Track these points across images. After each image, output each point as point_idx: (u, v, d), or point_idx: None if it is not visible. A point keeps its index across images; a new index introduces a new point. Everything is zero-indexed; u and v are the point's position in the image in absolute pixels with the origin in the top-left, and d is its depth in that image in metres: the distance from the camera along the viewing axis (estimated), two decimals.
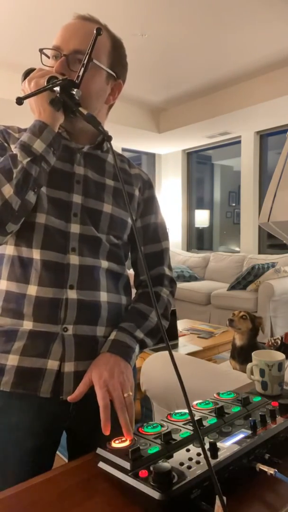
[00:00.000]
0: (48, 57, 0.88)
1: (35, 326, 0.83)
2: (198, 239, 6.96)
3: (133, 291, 1.04)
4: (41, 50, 0.85)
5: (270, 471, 0.63)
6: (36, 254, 0.84)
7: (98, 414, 0.74)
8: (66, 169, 0.90)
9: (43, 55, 0.86)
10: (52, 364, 0.82)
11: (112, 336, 0.88)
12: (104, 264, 0.91)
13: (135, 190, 1.00)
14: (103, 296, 0.90)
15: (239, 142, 5.63)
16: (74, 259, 0.86)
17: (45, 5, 3.07)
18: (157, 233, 1.04)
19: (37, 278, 0.84)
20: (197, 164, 7.17)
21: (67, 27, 0.87)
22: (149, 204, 1.04)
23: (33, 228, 0.84)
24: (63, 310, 0.84)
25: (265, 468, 0.64)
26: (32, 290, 0.83)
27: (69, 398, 0.78)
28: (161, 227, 1.06)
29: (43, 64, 0.85)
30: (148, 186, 1.04)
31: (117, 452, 0.66)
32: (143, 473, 0.60)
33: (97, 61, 0.86)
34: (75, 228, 0.87)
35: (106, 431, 0.72)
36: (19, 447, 0.83)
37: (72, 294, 0.85)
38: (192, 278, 5.38)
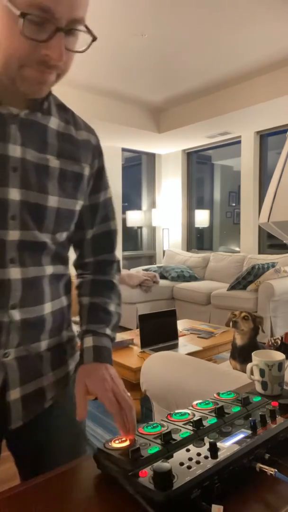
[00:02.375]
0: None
1: None
2: (198, 239, 6.96)
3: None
4: (24, 15, 0.59)
5: (270, 471, 0.63)
6: None
7: (45, 437, 0.72)
8: None
9: (25, 20, 0.60)
10: None
11: (90, 343, 0.82)
12: (49, 270, 0.79)
13: (85, 167, 0.82)
14: (48, 308, 0.79)
15: (239, 142, 5.63)
16: (15, 273, 0.71)
17: None
18: (108, 213, 0.91)
19: None
20: (197, 164, 7.16)
21: None
22: (99, 178, 0.87)
23: None
24: (5, 334, 0.72)
25: (265, 468, 0.64)
26: None
27: (78, 418, 0.72)
28: (111, 205, 0.92)
29: (25, 35, 0.61)
30: (97, 154, 0.86)
31: (117, 452, 0.66)
32: (143, 473, 0.60)
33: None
34: (13, 235, 0.70)
35: (127, 434, 0.69)
36: None
37: (15, 315, 0.72)
38: (192, 278, 5.38)
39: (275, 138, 5.53)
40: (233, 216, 8.72)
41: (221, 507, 0.55)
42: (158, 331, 2.88)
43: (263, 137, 5.48)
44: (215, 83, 4.61)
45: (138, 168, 7.20)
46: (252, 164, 5.45)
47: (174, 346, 2.84)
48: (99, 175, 0.87)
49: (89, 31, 0.65)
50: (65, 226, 0.79)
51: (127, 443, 0.68)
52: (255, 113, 4.69)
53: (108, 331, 0.85)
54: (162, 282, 5.24)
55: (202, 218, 6.54)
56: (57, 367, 0.84)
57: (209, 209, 6.79)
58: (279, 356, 0.96)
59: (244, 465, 0.65)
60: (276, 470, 0.63)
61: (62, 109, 0.81)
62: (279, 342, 1.73)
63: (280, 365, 0.93)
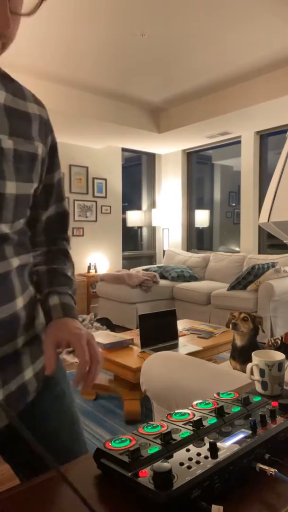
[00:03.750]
0: None
1: None
2: (198, 239, 6.96)
3: None
4: None
5: (270, 471, 0.63)
6: None
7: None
8: None
9: None
10: None
11: (56, 301, 0.81)
12: (15, 262, 0.72)
13: (38, 146, 0.74)
14: (20, 303, 0.73)
15: (239, 142, 5.63)
16: None
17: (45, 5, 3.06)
18: (60, 193, 0.87)
19: None
20: (197, 164, 7.17)
21: None
22: (52, 157, 0.81)
23: None
24: None
25: (265, 468, 0.64)
26: None
27: (48, 372, 0.71)
28: (62, 185, 0.88)
29: None
30: (49, 130, 0.79)
31: (117, 452, 0.66)
32: (143, 473, 0.60)
33: None
34: None
35: (78, 384, 0.70)
36: None
37: None
38: (192, 278, 5.38)
39: (275, 138, 5.54)
40: (233, 216, 8.72)
41: (221, 507, 0.55)
42: (158, 331, 2.88)
43: (263, 137, 5.49)
44: (215, 83, 4.61)
45: (138, 168, 7.20)
46: (252, 164, 5.46)
47: (174, 346, 2.85)
48: (52, 153, 0.81)
49: None
50: (23, 212, 0.74)
51: (127, 443, 0.68)
52: (255, 113, 4.69)
53: (71, 292, 0.85)
54: (162, 282, 5.24)
55: (202, 218, 6.55)
56: (36, 359, 0.80)
57: (209, 209, 6.79)
58: (279, 356, 0.96)
59: (244, 465, 0.65)
60: (276, 470, 0.63)
61: (8, 80, 0.72)
62: (279, 342, 1.73)
63: (280, 365, 0.93)
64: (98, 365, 0.73)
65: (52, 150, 0.81)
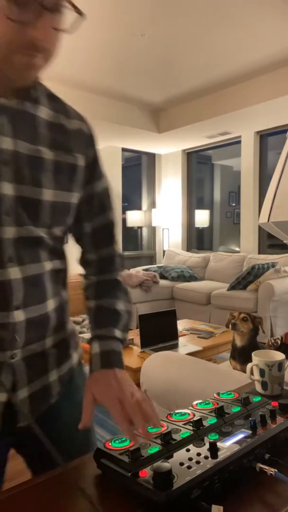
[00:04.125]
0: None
1: None
2: (198, 239, 6.96)
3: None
4: None
5: (270, 471, 0.63)
6: None
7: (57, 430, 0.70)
8: None
9: (9, 2, 0.58)
10: (0, 397, 0.72)
11: (96, 349, 0.80)
12: (48, 265, 0.77)
13: (78, 158, 0.79)
14: (50, 305, 0.77)
15: (239, 142, 5.63)
16: (14, 273, 0.69)
17: None
18: (104, 203, 0.87)
19: None
20: (197, 164, 7.17)
21: None
22: (93, 168, 0.84)
23: None
24: (11, 336, 0.70)
25: (265, 468, 0.64)
26: None
27: (81, 426, 0.71)
28: (107, 195, 0.88)
29: (10, 18, 0.58)
30: (91, 143, 0.83)
31: (117, 452, 0.66)
32: (143, 473, 0.60)
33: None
34: (9, 232, 0.68)
35: (132, 439, 0.67)
36: None
37: (19, 316, 0.71)
38: (192, 278, 5.38)
39: (275, 138, 5.53)
40: (233, 216, 8.72)
41: (221, 507, 0.55)
42: (158, 331, 2.88)
43: (263, 137, 5.48)
44: (215, 83, 4.61)
45: (138, 168, 7.20)
46: (252, 164, 5.45)
47: (174, 346, 2.85)
48: (94, 164, 0.84)
49: (74, 7, 0.62)
50: (61, 220, 0.77)
51: (127, 443, 0.68)
52: (255, 113, 4.69)
53: (116, 332, 0.83)
54: (162, 282, 5.24)
55: (202, 218, 6.55)
56: (61, 363, 0.83)
57: (209, 209, 6.79)
58: (279, 356, 0.96)
59: (244, 465, 0.65)
60: (276, 470, 0.63)
61: (52, 98, 0.78)
62: (279, 342, 1.73)
63: (280, 365, 0.93)
64: (136, 416, 0.68)
65: (94, 161, 0.84)
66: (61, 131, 0.76)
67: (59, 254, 0.81)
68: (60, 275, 0.82)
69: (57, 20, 0.63)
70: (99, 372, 0.77)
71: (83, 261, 0.91)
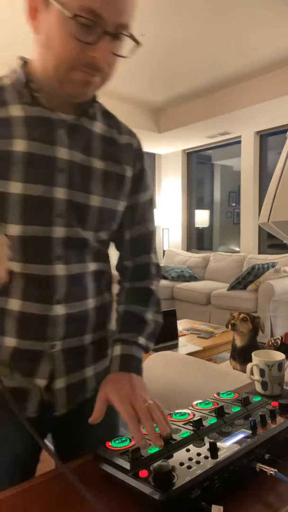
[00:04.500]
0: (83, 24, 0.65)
1: (19, 344, 0.75)
2: (198, 239, 6.96)
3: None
4: (75, 17, 0.64)
5: (270, 471, 0.63)
6: (15, 267, 0.73)
7: (86, 420, 0.71)
8: (45, 152, 0.73)
9: (76, 23, 0.64)
10: (39, 383, 0.77)
11: (118, 352, 0.82)
12: (92, 266, 0.82)
13: (127, 169, 0.85)
14: (91, 303, 0.83)
15: (239, 142, 5.63)
16: (60, 269, 0.76)
17: None
18: (146, 214, 0.92)
19: (20, 292, 0.74)
20: (197, 164, 7.17)
21: None
22: (139, 179, 0.89)
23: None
24: (51, 327, 0.76)
25: (265, 468, 0.64)
26: (15, 304, 0.74)
27: (91, 420, 0.72)
28: (150, 206, 0.93)
29: (75, 37, 0.65)
30: (139, 156, 0.90)
31: (117, 452, 0.66)
32: (143, 473, 0.60)
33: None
34: (59, 232, 0.75)
35: (141, 443, 0.66)
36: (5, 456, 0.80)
37: (60, 310, 0.76)
38: (192, 278, 5.38)
39: (275, 138, 5.53)
40: (233, 216, 8.72)
41: (221, 507, 0.55)
42: (158, 331, 2.88)
43: (263, 137, 5.48)
44: (215, 83, 4.61)
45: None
46: (252, 164, 5.45)
47: (174, 346, 2.84)
48: (140, 176, 0.89)
49: (133, 37, 0.69)
50: (107, 225, 0.83)
51: (127, 443, 0.68)
52: (255, 113, 4.69)
53: (140, 339, 0.84)
54: (162, 282, 5.23)
55: (202, 218, 6.55)
56: (99, 360, 0.87)
57: (209, 209, 6.80)
58: (279, 356, 0.96)
59: (244, 465, 0.65)
60: (276, 470, 0.63)
61: (106, 115, 0.87)
62: (279, 342, 1.74)
63: (280, 365, 0.93)
64: (148, 421, 0.68)
65: (140, 174, 0.89)
66: (113, 144, 0.84)
67: (103, 257, 0.86)
68: (103, 276, 0.87)
69: (116, 46, 0.70)
70: (116, 373, 0.79)
71: (120, 267, 0.94)
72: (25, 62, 0.77)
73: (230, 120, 4.95)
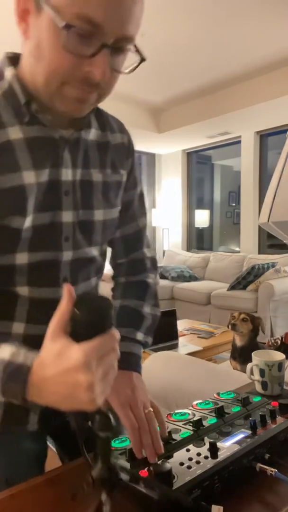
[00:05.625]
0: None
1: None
2: (198, 239, 6.96)
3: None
4: (69, 27, 0.54)
5: (270, 471, 0.63)
6: (22, 291, 0.70)
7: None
8: (53, 177, 0.68)
9: (70, 33, 0.55)
10: None
11: None
12: (94, 282, 0.82)
13: (123, 174, 0.81)
14: None
15: (239, 142, 5.63)
16: None
17: None
18: (136, 210, 0.88)
19: (25, 315, 0.71)
20: (197, 164, 7.16)
21: None
22: (131, 176, 0.85)
23: (14, 268, 0.67)
24: None
25: (265, 468, 0.64)
26: (18, 328, 0.71)
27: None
28: (141, 201, 0.90)
29: (68, 49, 0.56)
30: (131, 153, 0.84)
31: (117, 452, 0.66)
32: (143, 473, 0.60)
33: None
34: (67, 255, 0.72)
35: (139, 455, 0.65)
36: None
37: None
38: (192, 278, 5.38)
39: (275, 138, 5.53)
40: (233, 216, 8.71)
41: (221, 507, 0.55)
42: (158, 331, 2.86)
43: (263, 137, 5.48)
44: (215, 83, 4.61)
45: (138, 168, 7.19)
46: (252, 164, 5.45)
47: (174, 346, 2.84)
48: (131, 173, 0.85)
49: (138, 51, 0.60)
50: (110, 234, 0.81)
51: (127, 443, 0.68)
52: (255, 113, 4.69)
53: (138, 335, 0.82)
54: (162, 282, 5.24)
55: (202, 218, 6.54)
56: None
57: (209, 209, 6.79)
58: (279, 356, 0.96)
59: (244, 465, 0.65)
60: (276, 470, 0.63)
61: (98, 115, 0.79)
62: (279, 342, 1.73)
63: (280, 365, 0.93)
64: (145, 431, 0.66)
65: (131, 170, 0.84)
66: (108, 149, 0.78)
67: (102, 268, 0.84)
68: (98, 288, 0.86)
69: (117, 60, 0.61)
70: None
71: (114, 264, 0.93)
72: (13, 62, 0.66)
73: (230, 120, 4.94)
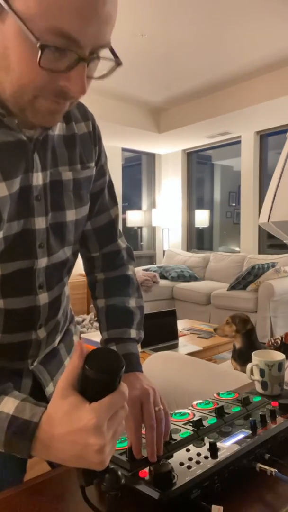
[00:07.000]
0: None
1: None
2: (198, 239, 6.96)
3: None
4: (44, 47, 0.48)
5: (270, 471, 0.63)
6: None
7: None
8: (22, 184, 0.63)
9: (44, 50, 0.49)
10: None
11: None
12: (66, 281, 0.80)
13: (92, 167, 0.76)
14: (61, 312, 0.81)
15: (239, 142, 5.63)
16: (43, 298, 0.72)
17: None
18: (106, 201, 0.84)
19: (1, 326, 0.69)
20: (197, 164, 7.16)
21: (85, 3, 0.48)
22: (98, 164, 0.79)
23: None
24: (33, 349, 0.75)
25: (265, 468, 0.64)
26: None
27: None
28: (111, 190, 0.85)
29: (41, 66, 0.49)
30: (97, 140, 0.78)
31: (117, 452, 0.66)
32: (143, 473, 0.60)
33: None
34: (41, 262, 0.69)
35: (137, 457, 0.64)
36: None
37: (42, 333, 0.75)
38: (192, 278, 5.38)
39: (275, 138, 5.53)
40: (233, 216, 8.71)
41: (221, 507, 0.55)
42: (158, 331, 2.88)
43: (263, 137, 5.48)
44: (215, 83, 4.61)
45: (138, 168, 7.20)
46: (252, 164, 5.45)
47: (174, 346, 2.84)
48: (99, 161, 0.80)
49: (114, 55, 0.55)
50: (80, 233, 0.79)
51: (127, 443, 0.68)
52: (255, 113, 4.69)
53: (132, 332, 0.81)
54: (162, 282, 5.24)
55: (202, 218, 6.54)
56: (70, 350, 0.88)
57: (209, 209, 6.79)
58: (279, 356, 0.96)
59: (244, 465, 0.65)
60: (276, 470, 0.63)
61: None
62: (279, 342, 1.74)
63: (280, 365, 0.93)
64: (152, 430, 0.65)
65: (99, 158, 0.79)
66: (75, 143, 0.73)
67: (73, 267, 0.82)
68: (67, 283, 0.84)
69: (93, 67, 0.56)
70: None
71: (87, 258, 0.89)
72: None
73: (230, 120, 4.95)
